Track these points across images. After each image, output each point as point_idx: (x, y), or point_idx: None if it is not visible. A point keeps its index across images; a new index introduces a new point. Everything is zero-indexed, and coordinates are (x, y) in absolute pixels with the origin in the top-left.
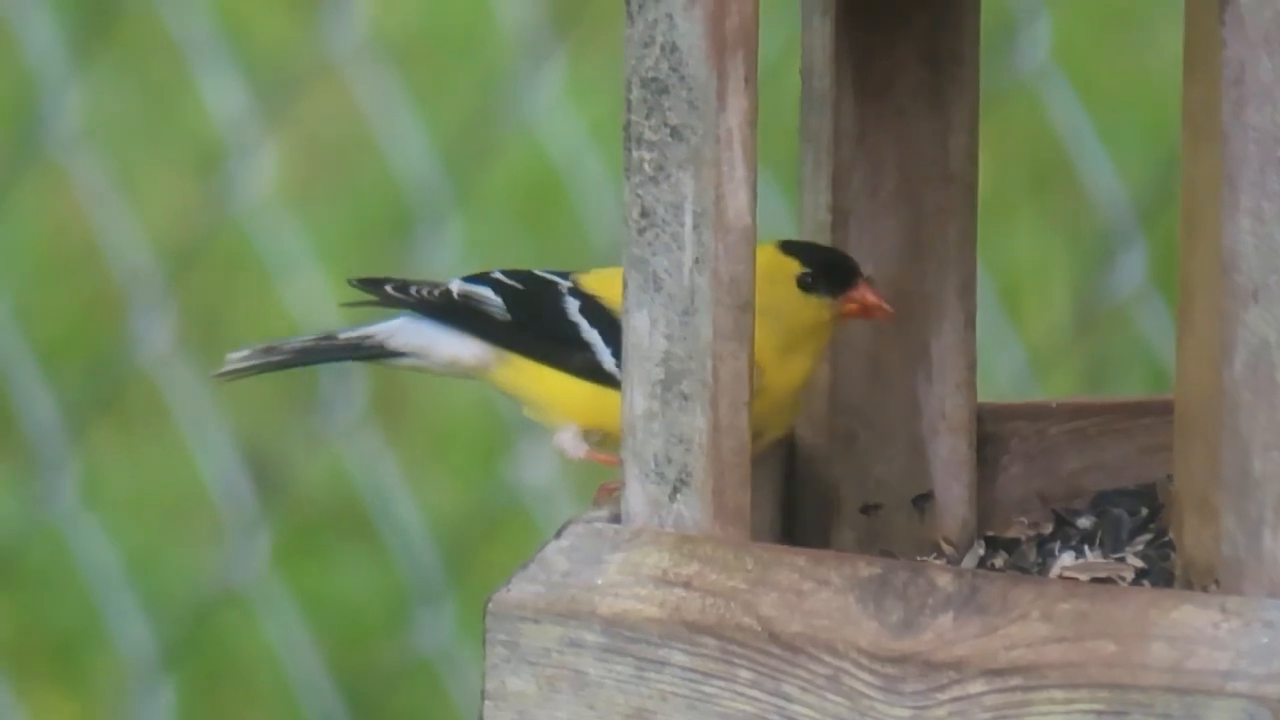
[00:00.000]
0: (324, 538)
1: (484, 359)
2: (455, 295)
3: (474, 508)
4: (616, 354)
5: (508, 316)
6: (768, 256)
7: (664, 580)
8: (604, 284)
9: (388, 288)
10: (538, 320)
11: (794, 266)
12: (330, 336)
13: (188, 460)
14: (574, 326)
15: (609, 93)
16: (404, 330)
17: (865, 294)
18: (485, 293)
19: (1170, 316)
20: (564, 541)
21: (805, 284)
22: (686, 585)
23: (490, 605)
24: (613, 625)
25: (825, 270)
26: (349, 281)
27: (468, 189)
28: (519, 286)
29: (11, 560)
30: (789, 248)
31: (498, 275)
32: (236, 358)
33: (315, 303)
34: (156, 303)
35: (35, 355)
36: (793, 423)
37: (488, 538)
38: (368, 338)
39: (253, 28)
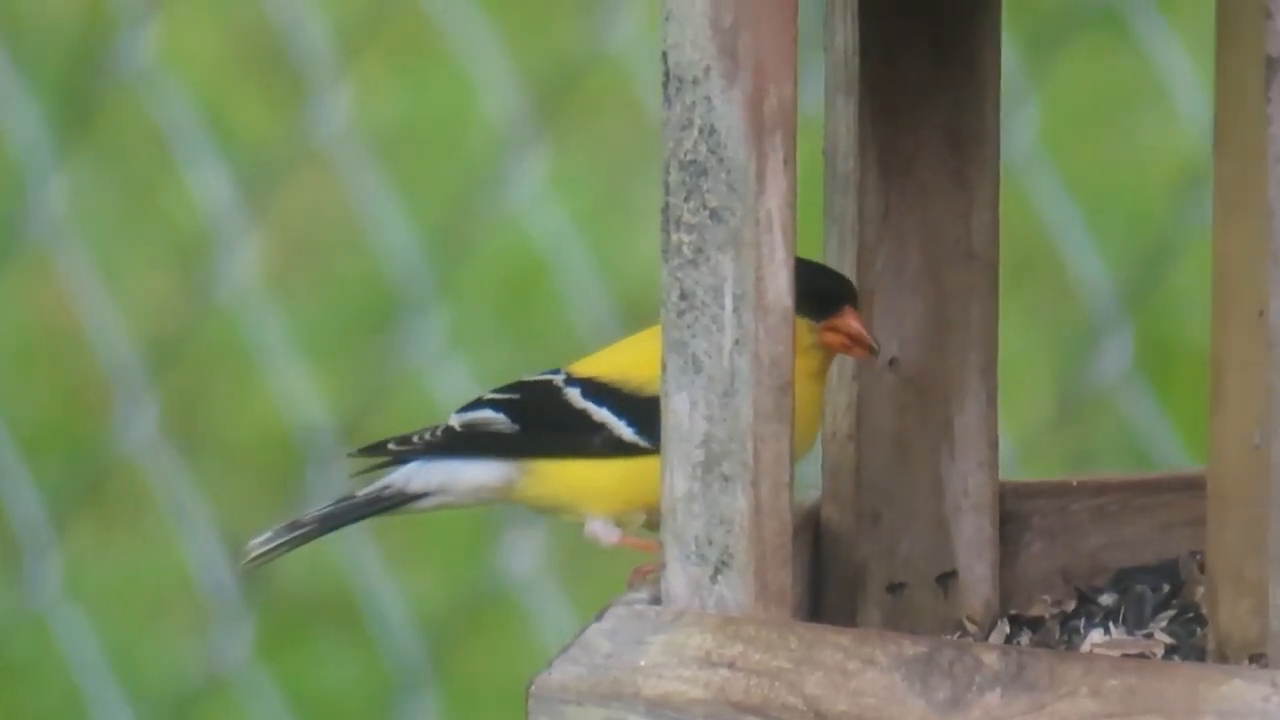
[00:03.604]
0: (307, 627)
1: (508, 476)
2: (458, 428)
3: (458, 596)
4: (631, 423)
5: (516, 427)
6: None
7: (708, 661)
8: (595, 365)
9: (390, 445)
10: (547, 420)
11: None
12: (349, 498)
13: (170, 550)
14: (582, 413)
15: (592, 183)
16: (420, 472)
17: (849, 322)
18: (486, 414)
19: (1155, 403)
20: (605, 624)
21: None
22: (731, 666)
23: (532, 688)
24: (657, 706)
25: (814, 292)
26: (349, 454)
27: (451, 279)
28: (516, 397)
29: None
30: None
31: (490, 395)
32: (260, 542)
33: (298, 393)
34: (139, 392)
35: (17, 444)
36: (812, 441)
37: (472, 626)
38: (386, 488)
39: (235, 118)
